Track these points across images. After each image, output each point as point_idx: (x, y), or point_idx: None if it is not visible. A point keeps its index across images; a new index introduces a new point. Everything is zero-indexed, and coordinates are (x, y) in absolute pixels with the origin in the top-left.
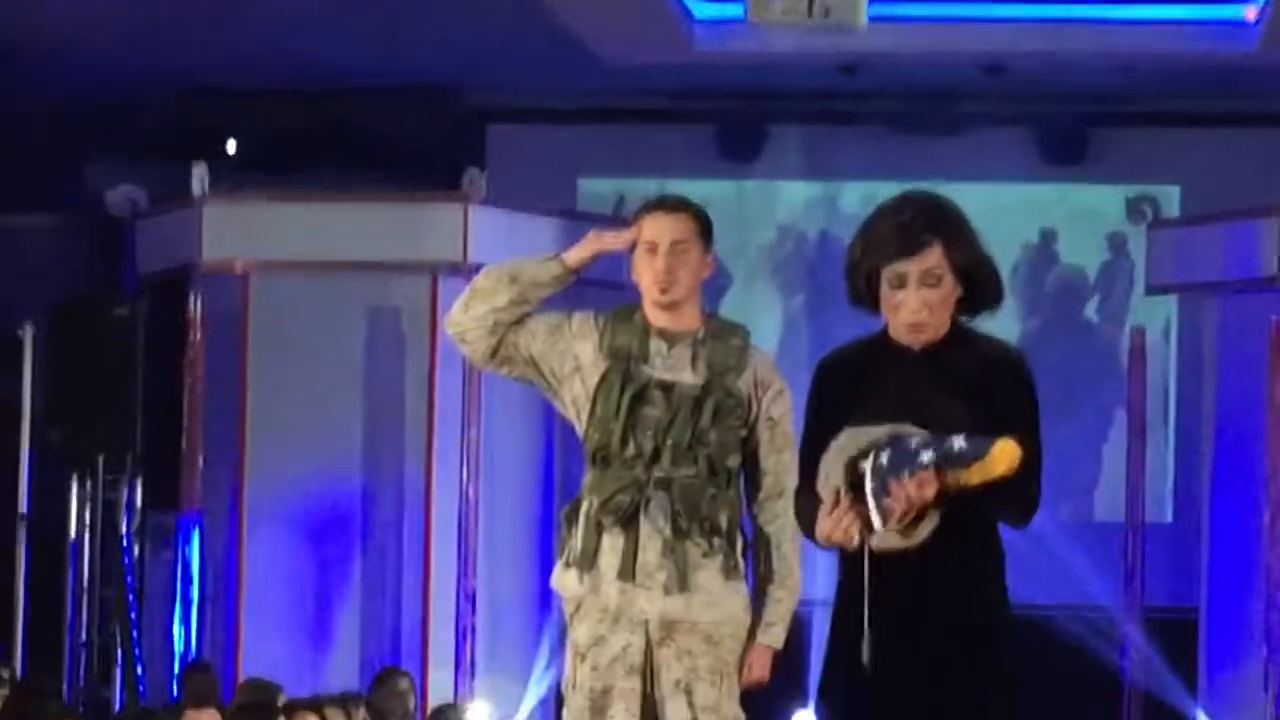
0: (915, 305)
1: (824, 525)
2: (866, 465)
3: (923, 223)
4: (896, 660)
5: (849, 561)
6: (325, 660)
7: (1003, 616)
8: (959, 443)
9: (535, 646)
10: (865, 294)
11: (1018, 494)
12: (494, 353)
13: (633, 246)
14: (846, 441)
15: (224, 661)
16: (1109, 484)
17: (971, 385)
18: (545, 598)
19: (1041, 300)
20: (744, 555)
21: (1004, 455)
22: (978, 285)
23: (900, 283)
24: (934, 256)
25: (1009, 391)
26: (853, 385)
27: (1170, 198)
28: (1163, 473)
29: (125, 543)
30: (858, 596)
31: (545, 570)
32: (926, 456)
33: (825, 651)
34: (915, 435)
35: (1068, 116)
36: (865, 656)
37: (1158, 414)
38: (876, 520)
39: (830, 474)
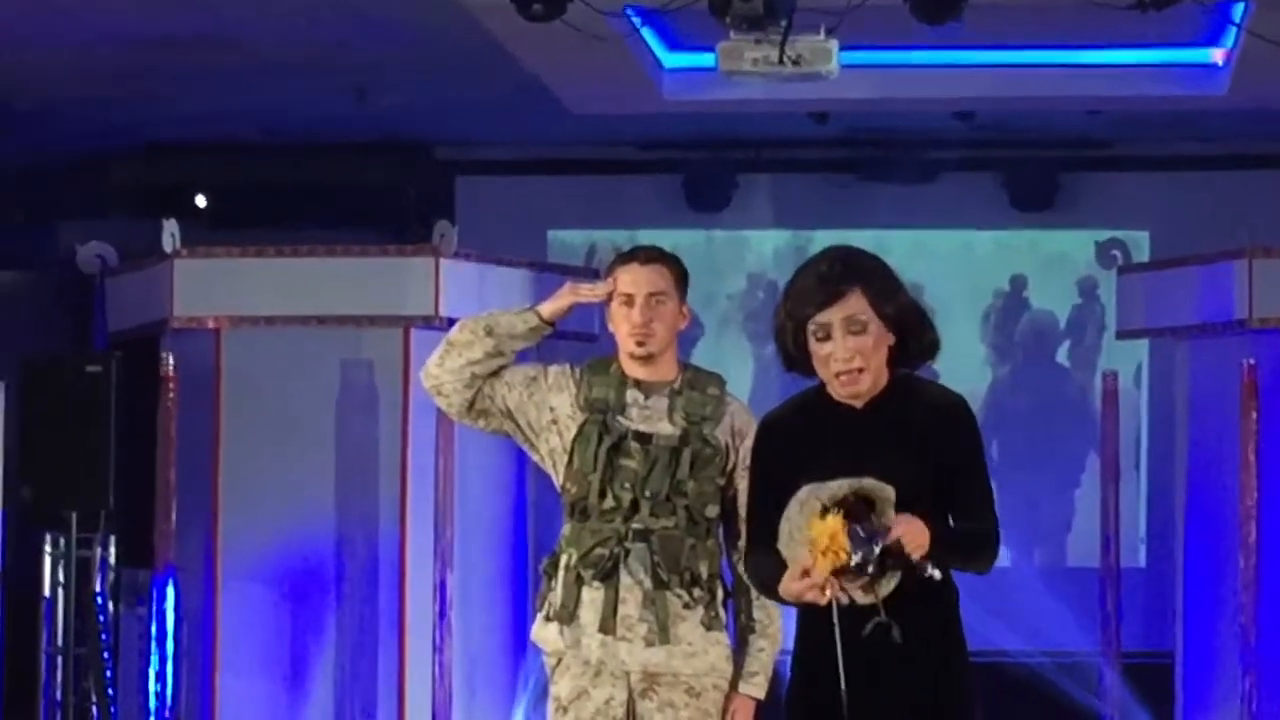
0: (844, 354)
1: (795, 586)
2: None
3: (840, 270)
4: (865, 706)
5: (815, 613)
6: (301, 716)
7: (963, 657)
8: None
9: (511, 701)
10: (796, 355)
11: (983, 550)
12: (470, 405)
13: (608, 298)
14: (807, 496)
15: (200, 718)
16: (1082, 529)
17: (918, 436)
18: (520, 651)
19: (1013, 346)
20: (725, 605)
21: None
22: (908, 333)
23: (825, 334)
24: (856, 303)
25: (957, 439)
26: (799, 443)
27: (1140, 242)
28: (1135, 517)
29: (99, 600)
30: (827, 648)
31: (520, 623)
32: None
33: (787, 695)
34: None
35: (1037, 162)
36: (845, 710)
37: (1130, 458)
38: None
39: (795, 530)
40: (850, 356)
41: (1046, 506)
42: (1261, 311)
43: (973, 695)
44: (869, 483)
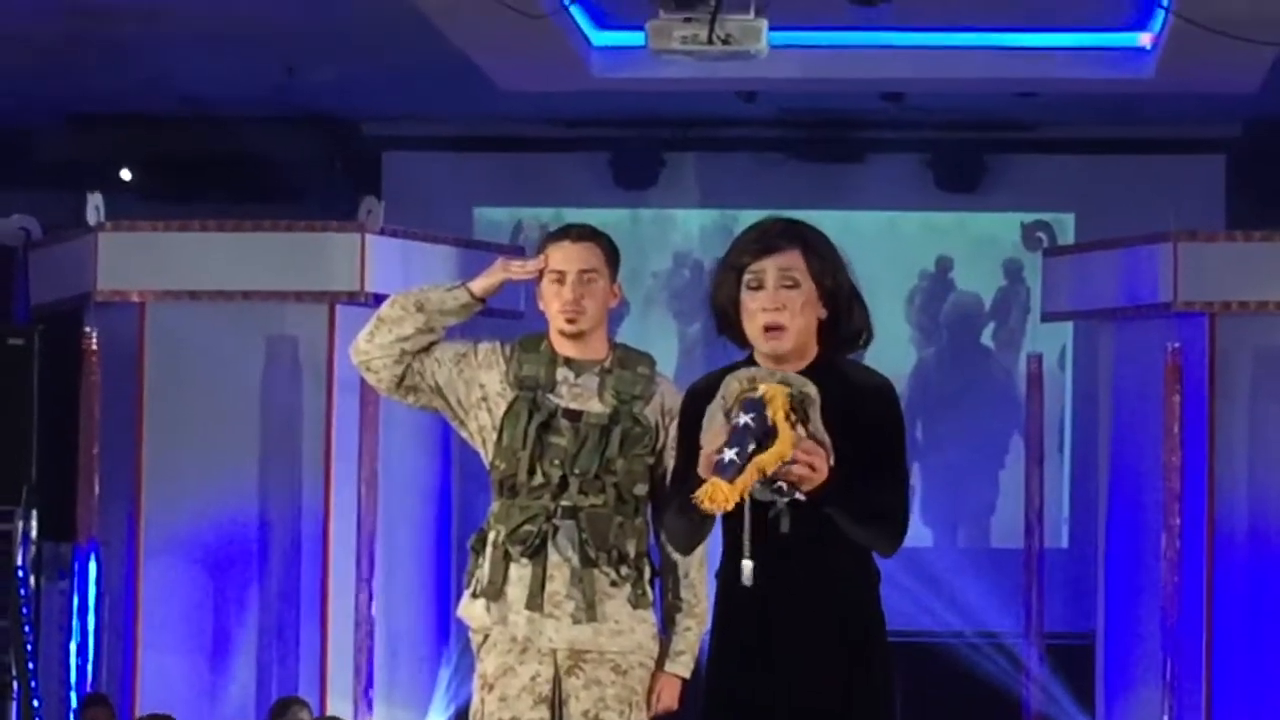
0: (770, 304)
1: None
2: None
3: (784, 228)
4: (769, 662)
5: (731, 550)
6: (224, 691)
7: (880, 629)
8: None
9: (434, 676)
10: (728, 315)
11: (885, 524)
12: (400, 381)
13: (539, 275)
14: (731, 378)
15: (121, 693)
16: (1006, 510)
17: (841, 414)
18: (444, 627)
19: (938, 327)
20: (652, 584)
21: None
22: (840, 312)
23: (758, 283)
24: (792, 257)
25: (880, 421)
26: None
27: (1065, 225)
28: (1059, 499)
29: (21, 574)
30: (743, 617)
31: (443, 599)
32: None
33: (708, 653)
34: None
35: (964, 144)
36: (747, 579)
37: (1054, 440)
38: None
39: (715, 412)
40: (778, 307)
41: (970, 488)
42: (1186, 295)
43: (892, 674)
44: (794, 377)
